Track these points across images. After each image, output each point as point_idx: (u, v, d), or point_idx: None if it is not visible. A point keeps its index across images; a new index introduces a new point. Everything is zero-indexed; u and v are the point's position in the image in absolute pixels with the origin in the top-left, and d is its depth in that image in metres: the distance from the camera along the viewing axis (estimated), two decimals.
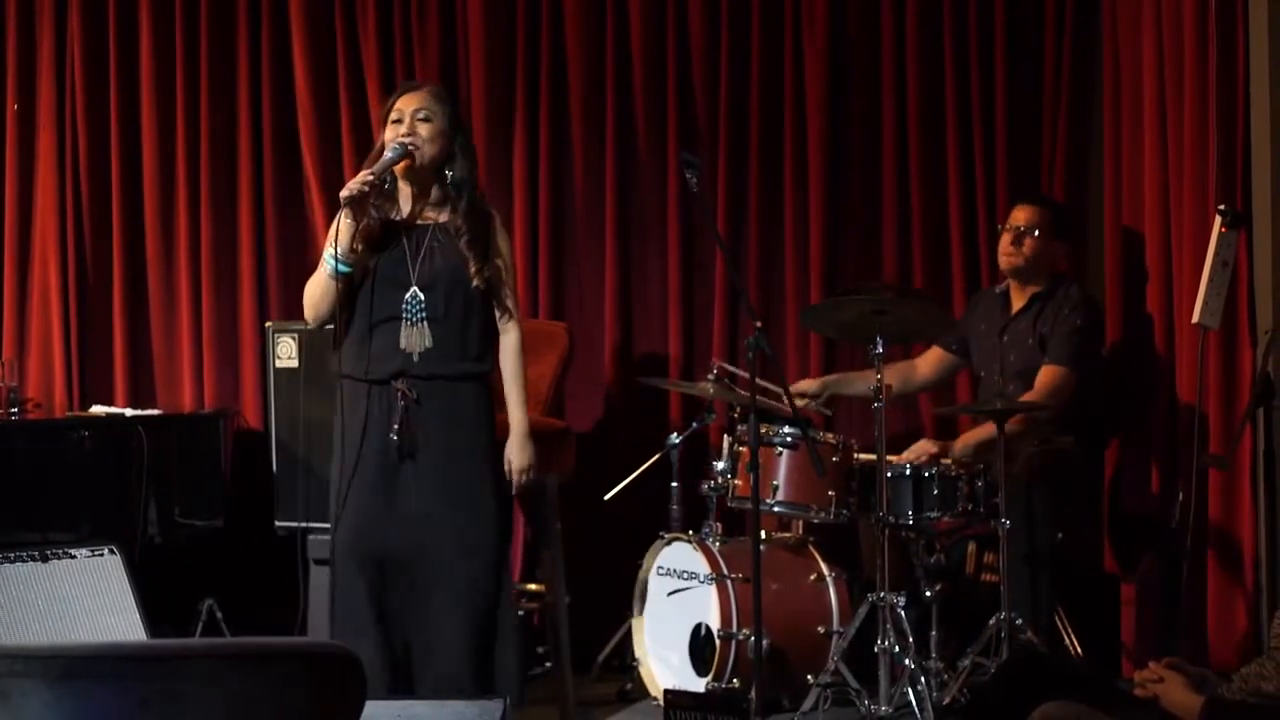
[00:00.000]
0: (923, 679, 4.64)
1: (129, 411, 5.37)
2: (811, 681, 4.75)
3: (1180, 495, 4.94)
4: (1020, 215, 5.30)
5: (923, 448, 5.06)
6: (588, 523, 5.55)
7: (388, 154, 4.25)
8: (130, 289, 5.90)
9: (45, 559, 4.58)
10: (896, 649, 4.66)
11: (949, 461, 5.00)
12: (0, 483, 4.83)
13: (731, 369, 5.28)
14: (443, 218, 4.32)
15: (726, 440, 5.14)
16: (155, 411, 5.45)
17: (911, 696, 4.62)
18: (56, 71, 5.91)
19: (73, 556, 4.62)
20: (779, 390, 4.68)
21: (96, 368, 5.91)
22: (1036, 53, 5.79)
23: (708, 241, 5.78)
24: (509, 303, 4.36)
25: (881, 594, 4.68)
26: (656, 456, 5.37)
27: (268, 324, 5.48)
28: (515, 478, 4.34)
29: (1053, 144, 5.78)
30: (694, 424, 5.43)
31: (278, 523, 5.29)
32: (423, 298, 4.23)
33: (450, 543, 4.22)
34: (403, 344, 4.23)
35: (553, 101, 5.86)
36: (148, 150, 5.89)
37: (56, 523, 4.85)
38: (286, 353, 5.31)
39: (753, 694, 4.53)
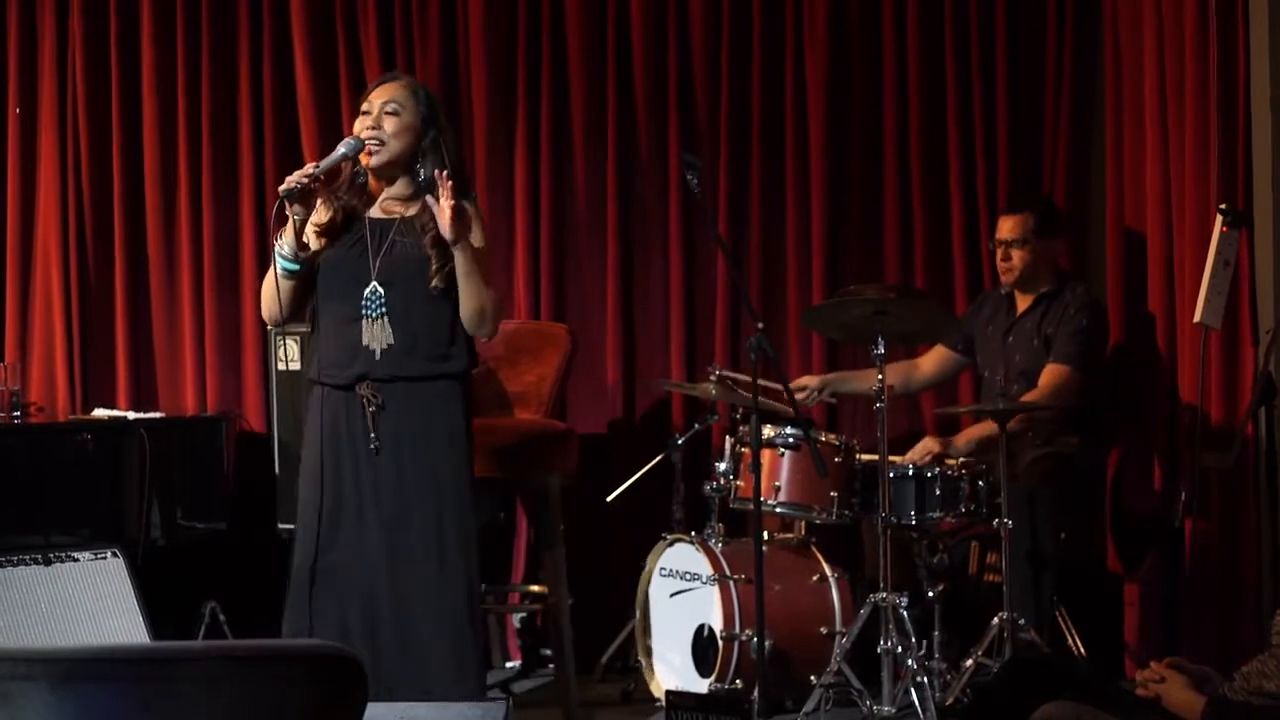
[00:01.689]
0: (925, 679, 4.64)
1: (131, 414, 5.37)
2: (814, 682, 4.75)
3: (1182, 495, 4.94)
4: (1004, 227, 5.28)
5: (926, 446, 5.05)
6: (590, 524, 5.56)
7: (340, 149, 4.11)
8: (132, 291, 5.90)
9: (48, 562, 4.57)
10: (899, 649, 4.66)
11: (952, 463, 5.00)
12: (3, 486, 4.84)
13: (732, 375, 5.27)
14: (410, 212, 4.15)
15: (728, 441, 5.14)
16: (157, 414, 5.45)
17: (914, 697, 4.62)
18: (58, 74, 5.90)
19: (75, 559, 4.61)
20: (779, 387, 4.68)
21: (99, 370, 5.91)
22: (1037, 53, 5.79)
23: (709, 242, 5.78)
24: None
25: (884, 594, 4.68)
26: (659, 458, 5.37)
27: (270, 326, 5.47)
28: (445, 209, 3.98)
29: (1054, 144, 5.78)
30: (696, 425, 5.44)
31: (280, 525, 5.28)
32: (382, 293, 4.07)
33: (420, 546, 4.09)
34: (364, 340, 4.09)
35: (554, 102, 5.86)
36: (149, 152, 5.88)
37: (59, 526, 4.85)
38: (288, 355, 5.31)
39: (755, 695, 4.53)
